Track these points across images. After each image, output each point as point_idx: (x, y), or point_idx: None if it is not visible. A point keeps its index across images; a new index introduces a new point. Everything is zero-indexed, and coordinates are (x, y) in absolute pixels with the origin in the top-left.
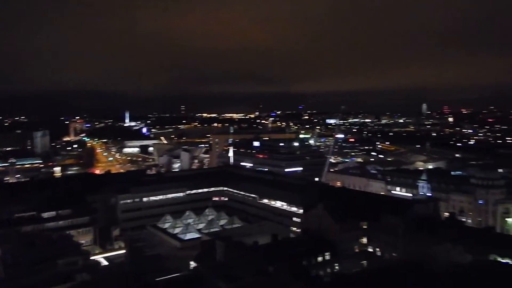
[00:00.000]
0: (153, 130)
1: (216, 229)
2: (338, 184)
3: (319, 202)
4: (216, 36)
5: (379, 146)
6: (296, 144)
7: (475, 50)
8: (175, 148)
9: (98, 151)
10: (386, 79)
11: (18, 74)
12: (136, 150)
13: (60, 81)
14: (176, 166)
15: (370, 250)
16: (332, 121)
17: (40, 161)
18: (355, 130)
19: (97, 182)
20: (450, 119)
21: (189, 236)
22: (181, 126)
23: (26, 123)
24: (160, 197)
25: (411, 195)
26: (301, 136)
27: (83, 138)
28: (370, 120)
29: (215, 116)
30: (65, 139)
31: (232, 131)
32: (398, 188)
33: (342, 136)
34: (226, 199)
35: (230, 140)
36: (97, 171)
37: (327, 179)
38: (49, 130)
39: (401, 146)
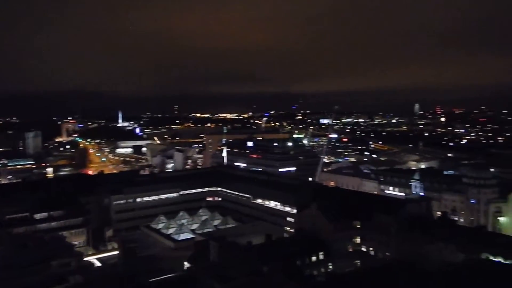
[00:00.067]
0: (146, 130)
1: (210, 230)
2: (332, 184)
3: (313, 202)
4: (211, 36)
5: (372, 146)
6: (289, 144)
7: (474, 50)
8: (168, 149)
9: (91, 151)
10: (383, 79)
11: (10, 74)
12: (129, 150)
13: (52, 81)
14: (170, 166)
15: (364, 249)
16: (325, 121)
17: (32, 162)
18: (349, 130)
19: (90, 183)
20: (443, 119)
21: (183, 236)
22: (175, 126)
23: (18, 124)
24: (154, 197)
25: (404, 194)
26: (294, 136)
27: (76, 139)
28: (363, 120)
29: (208, 116)
30: (57, 139)
31: (225, 131)
32: (391, 188)
33: (335, 136)
34: (220, 199)
35: (223, 140)
36: (90, 172)
37: (321, 179)
38: (41, 131)
39: (394, 146)
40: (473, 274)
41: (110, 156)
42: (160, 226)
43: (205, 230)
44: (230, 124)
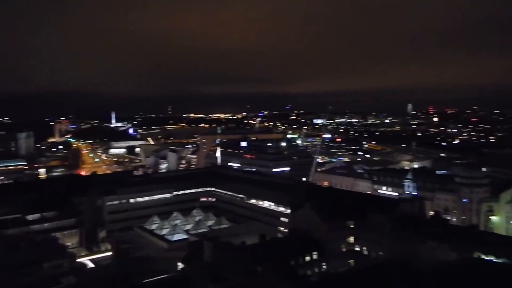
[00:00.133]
0: (139, 130)
1: (204, 230)
2: (325, 183)
3: (307, 202)
4: (211, 36)
5: (365, 146)
6: (283, 144)
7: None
8: (162, 149)
9: (83, 152)
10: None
11: (6, 74)
12: (122, 151)
13: (45, 82)
14: (163, 167)
15: (357, 249)
16: (319, 121)
17: (24, 163)
18: (342, 130)
19: (83, 183)
20: (435, 119)
21: (176, 237)
22: (168, 127)
23: (10, 124)
24: (147, 198)
25: (397, 194)
26: (288, 136)
27: (69, 139)
28: (356, 120)
29: (202, 117)
30: (50, 140)
31: (219, 132)
32: (384, 187)
33: (329, 136)
34: (214, 199)
35: (217, 141)
36: (83, 173)
37: (315, 179)
38: (34, 131)
39: (387, 145)
40: (466, 273)
41: (103, 156)
42: (154, 226)
43: (199, 231)
44: (224, 124)
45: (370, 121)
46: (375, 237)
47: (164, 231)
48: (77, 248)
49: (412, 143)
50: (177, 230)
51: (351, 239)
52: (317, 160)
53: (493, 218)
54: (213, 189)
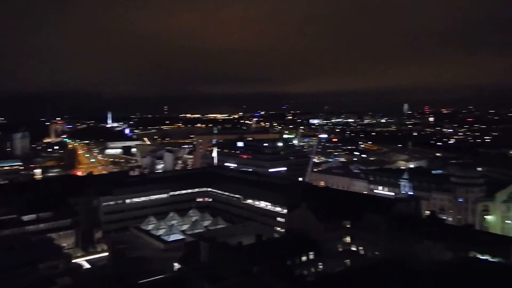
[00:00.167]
0: (136, 131)
1: (200, 230)
2: (322, 183)
3: (303, 202)
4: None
5: (362, 145)
6: (280, 144)
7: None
8: (158, 149)
9: (79, 152)
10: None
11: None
12: (118, 151)
13: (44, 82)
14: (160, 167)
15: (354, 249)
16: (315, 121)
17: (20, 163)
18: (338, 130)
19: (79, 184)
20: (431, 119)
21: (173, 237)
22: (164, 127)
23: (5, 125)
24: (143, 198)
25: (393, 194)
26: (284, 136)
27: (64, 140)
28: (353, 120)
29: (198, 117)
30: (45, 140)
31: (215, 132)
32: (380, 187)
33: (325, 136)
34: (210, 200)
35: (214, 141)
36: (79, 173)
37: (311, 179)
38: (29, 132)
39: (383, 145)
40: (462, 272)
41: (99, 157)
42: (150, 227)
43: (195, 231)
44: (220, 124)
45: (366, 121)
46: (371, 237)
47: (161, 232)
48: (73, 249)
49: (408, 143)
50: (174, 230)
51: (348, 239)
52: (314, 160)
53: (488, 217)
54: (209, 189)
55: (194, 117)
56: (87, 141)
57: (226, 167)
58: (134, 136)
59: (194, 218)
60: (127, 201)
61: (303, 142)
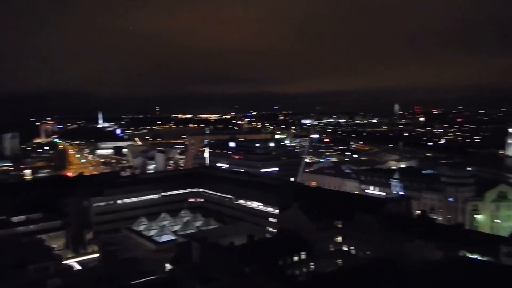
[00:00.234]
0: (127, 131)
1: (192, 231)
2: (314, 184)
3: (295, 202)
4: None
5: (353, 146)
6: (271, 144)
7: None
8: (149, 150)
9: (70, 153)
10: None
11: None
12: (109, 151)
13: (31, 81)
14: (151, 167)
15: (345, 248)
16: (307, 121)
17: (10, 164)
18: (330, 130)
19: (69, 185)
20: (422, 119)
21: (164, 238)
22: (156, 127)
23: None
24: (135, 199)
25: (384, 194)
26: (276, 136)
27: (55, 140)
28: (344, 121)
29: (190, 117)
30: (35, 141)
31: (207, 132)
32: (371, 187)
33: (317, 136)
34: (202, 200)
35: (205, 141)
36: (70, 174)
37: (303, 179)
38: (19, 132)
39: (375, 146)
40: (452, 271)
41: (90, 157)
42: (142, 228)
43: (187, 232)
44: (212, 124)
45: (357, 122)
46: (362, 237)
47: (152, 232)
48: (64, 250)
49: (399, 143)
50: (165, 231)
51: (339, 239)
52: (305, 160)
53: (478, 217)
54: (201, 189)
55: (186, 118)
56: (77, 142)
57: (218, 168)
58: (125, 137)
59: (185, 219)
60: (118, 201)
61: (295, 142)
